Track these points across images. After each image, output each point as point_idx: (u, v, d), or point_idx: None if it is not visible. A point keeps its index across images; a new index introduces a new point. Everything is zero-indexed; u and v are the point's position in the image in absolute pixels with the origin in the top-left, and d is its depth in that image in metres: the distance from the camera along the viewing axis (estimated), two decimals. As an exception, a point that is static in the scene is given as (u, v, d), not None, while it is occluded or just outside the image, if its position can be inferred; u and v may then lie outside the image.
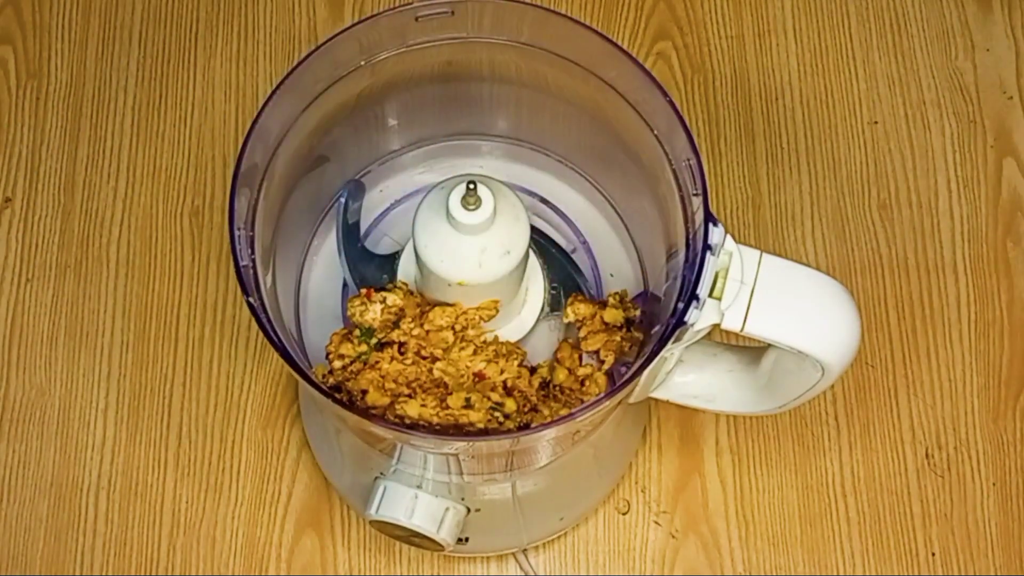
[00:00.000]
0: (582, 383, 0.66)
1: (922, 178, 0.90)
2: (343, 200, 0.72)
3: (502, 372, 0.65)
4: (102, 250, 0.88)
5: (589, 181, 0.73)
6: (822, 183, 0.90)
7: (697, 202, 0.61)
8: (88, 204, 0.89)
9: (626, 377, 0.59)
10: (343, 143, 0.70)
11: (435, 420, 0.63)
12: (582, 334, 0.67)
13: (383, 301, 0.65)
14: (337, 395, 0.65)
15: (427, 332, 0.65)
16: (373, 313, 0.64)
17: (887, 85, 0.93)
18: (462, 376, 0.65)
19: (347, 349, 0.65)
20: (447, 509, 0.69)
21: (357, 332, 0.65)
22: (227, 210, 0.59)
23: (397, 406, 0.63)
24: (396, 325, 0.65)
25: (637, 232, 0.72)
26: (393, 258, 0.70)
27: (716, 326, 0.60)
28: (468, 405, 0.63)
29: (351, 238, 0.71)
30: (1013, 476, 0.83)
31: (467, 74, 0.69)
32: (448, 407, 0.63)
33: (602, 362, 0.67)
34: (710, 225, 0.59)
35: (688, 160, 0.61)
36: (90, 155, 0.91)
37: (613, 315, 0.67)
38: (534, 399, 0.65)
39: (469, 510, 0.71)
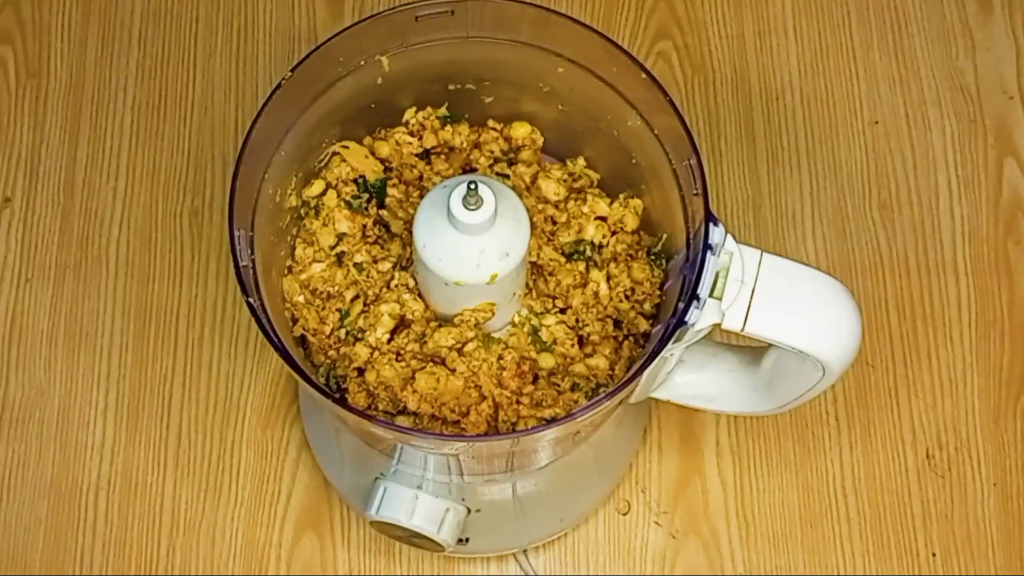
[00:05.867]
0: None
1: (923, 178, 0.90)
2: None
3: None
4: (102, 250, 0.88)
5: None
6: (823, 183, 0.90)
7: (697, 202, 0.61)
8: (88, 204, 0.89)
9: (626, 377, 0.59)
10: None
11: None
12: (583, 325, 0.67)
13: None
14: (335, 394, 0.65)
15: (422, 345, 0.65)
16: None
17: (888, 85, 0.93)
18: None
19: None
20: (447, 510, 0.69)
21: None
22: (227, 210, 0.59)
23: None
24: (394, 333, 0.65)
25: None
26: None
27: (717, 326, 0.60)
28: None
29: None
30: (1014, 476, 0.83)
31: (467, 74, 0.69)
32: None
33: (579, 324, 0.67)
34: (710, 225, 0.59)
35: (688, 160, 0.61)
36: (90, 155, 0.91)
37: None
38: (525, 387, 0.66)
39: (469, 511, 0.71)
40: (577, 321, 0.67)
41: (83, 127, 0.91)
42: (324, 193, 0.68)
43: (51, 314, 0.86)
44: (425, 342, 0.65)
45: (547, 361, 0.66)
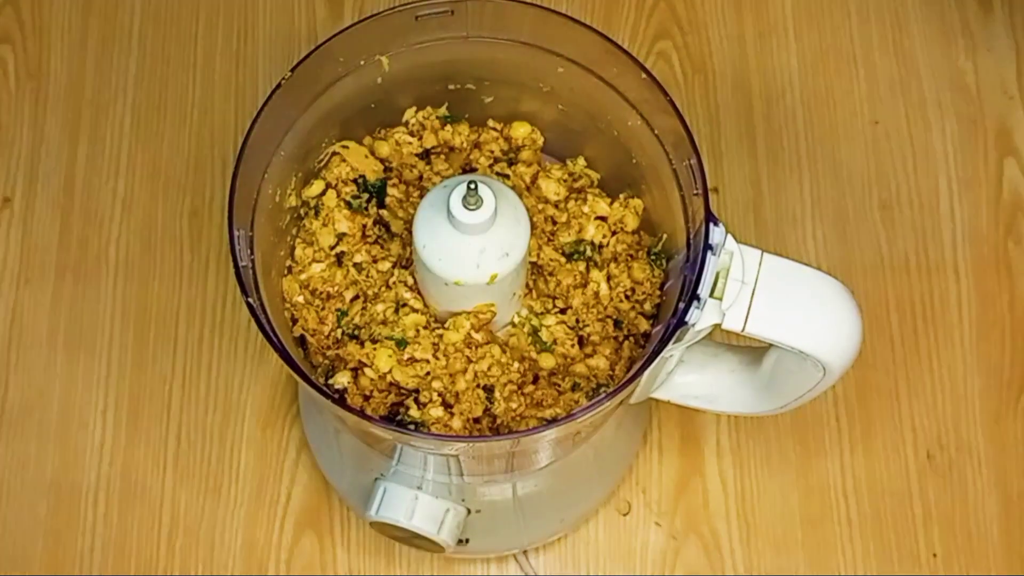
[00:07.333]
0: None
1: (923, 178, 0.90)
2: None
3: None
4: (101, 251, 0.88)
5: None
6: (823, 183, 0.90)
7: (697, 202, 0.61)
8: (87, 204, 0.89)
9: (627, 377, 0.59)
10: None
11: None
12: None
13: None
14: (335, 394, 0.65)
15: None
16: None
17: (888, 85, 0.93)
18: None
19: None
20: (447, 510, 0.69)
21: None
22: (227, 210, 0.59)
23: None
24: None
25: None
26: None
27: (717, 326, 0.60)
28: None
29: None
30: (1014, 477, 0.83)
31: (467, 74, 0.69)
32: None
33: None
34: (711, 225, 0.59)
35: (688, 160, 0.61)
36: (89, 155, 0.91)
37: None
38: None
39: (469, 511, 0.71)
40: (577, 321, 0.67)
41: (83, 127, 0.91)
42: (324, 193, 0.68)
43: (51, 315, 0.86)
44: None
45: (547, 361, 0.66)
